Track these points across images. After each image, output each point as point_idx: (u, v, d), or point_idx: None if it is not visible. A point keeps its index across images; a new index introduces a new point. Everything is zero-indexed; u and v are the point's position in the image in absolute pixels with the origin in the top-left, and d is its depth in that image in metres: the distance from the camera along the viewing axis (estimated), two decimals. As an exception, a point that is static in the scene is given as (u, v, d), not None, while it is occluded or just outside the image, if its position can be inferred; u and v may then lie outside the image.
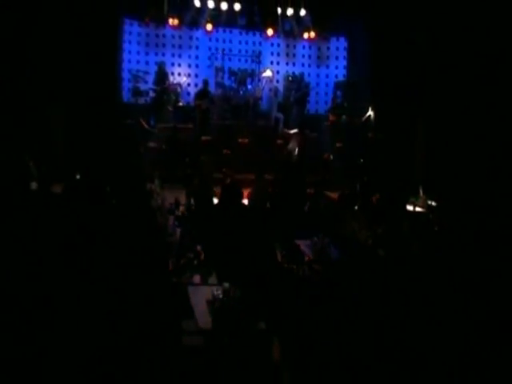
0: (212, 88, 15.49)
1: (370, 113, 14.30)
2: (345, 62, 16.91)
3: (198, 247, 6.19)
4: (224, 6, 14.94)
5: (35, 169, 9.54)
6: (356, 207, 8.54)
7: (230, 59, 16.28)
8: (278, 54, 16.99)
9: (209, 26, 15.46)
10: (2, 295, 4.82)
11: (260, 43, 16.69)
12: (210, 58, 16.20)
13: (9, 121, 10.84)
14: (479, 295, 5.51)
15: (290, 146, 13.87)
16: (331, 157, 13.91)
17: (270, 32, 15.89)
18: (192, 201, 8.40)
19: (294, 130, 14.35)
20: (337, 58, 17.07)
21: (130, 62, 15.65)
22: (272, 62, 16.83)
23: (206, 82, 15.09)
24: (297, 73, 16.41)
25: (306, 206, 8.99)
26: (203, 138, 14.07)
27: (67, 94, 12.35)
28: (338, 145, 14.47)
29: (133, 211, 6.90)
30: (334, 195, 9.95)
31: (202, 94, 14.91)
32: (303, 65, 17.09)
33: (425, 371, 4.51)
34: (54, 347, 4.38)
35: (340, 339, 4.94)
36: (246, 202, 9.02)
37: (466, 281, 5.79)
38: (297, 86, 15.88)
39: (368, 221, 7.79)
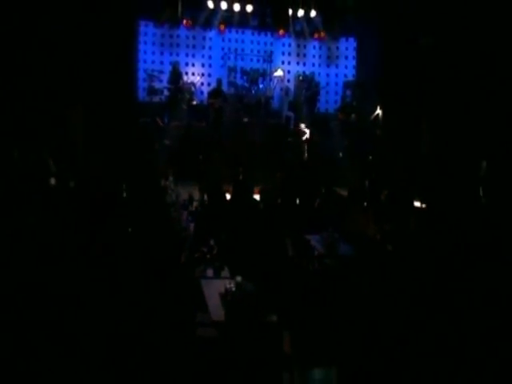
0: (225, 87, 15.50)
1: (379, 112, 14.25)
2: (354, 62, 16.84)
3: (211, 241, 6.20)
4: (236, 7, 14.92)
5: (54, 166, 9.60)
6: (365, 203, 8.52)
7: (242, 59, 16.22)
8: (289, 54, 16.90)
9: (221, 27, 15.45)
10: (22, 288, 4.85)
11: (271, 43, 16.60)
12: (222, 58, 16.17)
13: (29, 120, 10.90)
14: (484, 289, 5.48)
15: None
16: (340, 154, 13.86)
17: (281, 32, 15.86)
18: (205, 196, 8.40)
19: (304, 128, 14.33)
20: (346, 57, 16.98)
21: (145, 61, 15.68)
22: (283, 62, 16.74)
23: (219, 82, 15.09)
24: (307, 72, 16.34)
25: (315, 202, 8.98)
26: (216, 135, 14.07)
27: (85, 94, 12.41)
28: (347, 143, 14.41)
29: (147, 207, 6.92)
30: (344, 192, 9.93)
31: (216, 92, 14.91)
32: (313, 64, 16.99)
33: (432, 364, 4.49)
34: (72, 337, 4.40)
35: (349, 332, 4.93)
36: (257, 197, 9.01)
37: (471, 276, 5.76)
38: (307, 86, 15.84)
39: (376, 217, 7.77)
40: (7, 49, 11.06)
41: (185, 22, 15.14)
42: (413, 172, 11.23)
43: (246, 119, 14.94)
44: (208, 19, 15.43)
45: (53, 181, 9.19)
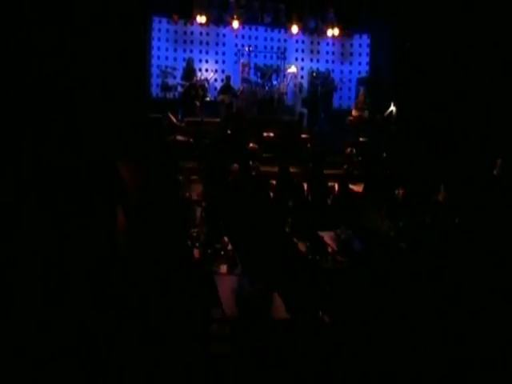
0: (237, 83, 15.51)
1: (392, 108, 14.18)
2: (367, 59, 16.78)
3: (225, 238, 6.19)
4: (250, 4, 14.91)
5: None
6: (378, 200, 8.46)
7: (255, 55, 16.21)
8: (303, 51, 16.86)
9: (235, 24, 15.44)
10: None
11: (285, 40, 16.58)
12: (236, 55, 16.16)
13: (37, 119, 10.89)
14: (502, 287, 5.42)
15: None
16: (354, 151, 13.79)
17: (294, 29, 15.81)
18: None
19: None
20: (360, 54, 16.94)
21: (159, 58, 15.70)
22: (297, 59, 16.71)
23: (228, 78, 15.24)
24: (322, 69, 16.30)
25: (328, 198, 8.94)
26: (229, 131, 14.05)
27: (98, 90, 12.39)
28: (360, 139, 14.34)
29: (162, 202, 6.91)
30: (357, 188, 9.88)
31: (225, 89, 15.02)
32: (327, 61, 16.96)
33: (446, 365, 4.45)
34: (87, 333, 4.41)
35: (363, 329, 4.90)
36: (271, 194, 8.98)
37: (488, 274, 5.70)
38: (322, 82, 15.79)
39: (390, 213, 7.72)
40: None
41: (198, 18, 15.14)
42: (427, 168, 11.14)
43: (259, 115, 14.92)
44: (221, 16, 15.43)
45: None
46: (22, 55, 10.34)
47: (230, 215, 7.09)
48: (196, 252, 6.02)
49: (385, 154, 13.04)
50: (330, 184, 9.43)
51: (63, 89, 11.26)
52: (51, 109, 10.78)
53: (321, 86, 15.70)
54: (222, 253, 5.96)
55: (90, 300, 4.76)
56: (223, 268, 5.74)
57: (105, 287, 5.00)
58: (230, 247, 6.09)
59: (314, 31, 16.19)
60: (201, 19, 15.18)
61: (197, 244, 6.14)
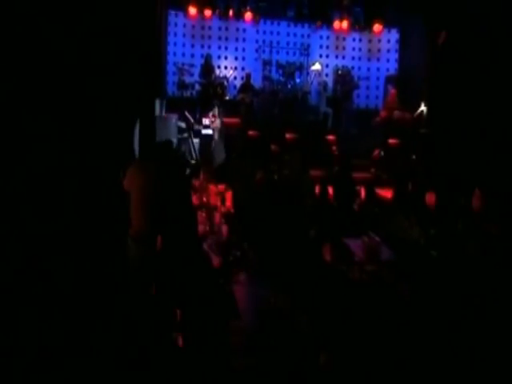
0: (258, 81, 15.52)
1: (423, 108, 14.06)
2: (396, 56, 16.68)
3: (245, 245, 6.18)
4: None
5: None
6: (408, 206, 8.41)
7: (277, 52, 16.24)
8: (328, 47, 16.83)
9: (256, 17, 15.48)
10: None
11: (309, 35, 16.57)
12: (257, 51, 16.19)
13: (43, 121, 10.95)
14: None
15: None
16: (382, 153, 13.73)
17: (318, 24, 15.78)
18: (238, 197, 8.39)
19: None
20: (388, 50, 16.85)
21: (175, 54, 15.80)
22: (321, 55, 16.69)
23: (247, 75, 15.30)
24: (347, 66, 16.24)
25: (355, 203, 8.90)
26: (250, 132, 14.06)
27: (110, 89, 12.42)
28: (389, 141, 14.27)
29: (176, 208, 6.92)
30: (385, 193, 9.83)
31: (245, 87, 15.06)
32: (353, 58, 16.90)
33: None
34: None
35: (392, 344, 4.86)
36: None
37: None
38: (346, 80, 15.73)
39: (421, 220, 7.66)
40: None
41: (217, 12, 15.26)
42: (460, 173, 11.04)
43: (281, 115, 14.91)
44: (241, 9, 15.48)
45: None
46: (28, 50, 10.41)
47: (251, 221, 7.09)
48: (215, 259, 6.03)
49: (415, 157, 12.96)
50: (356, 188, 9.40)
51: (71, 87, 11.30)
52: (57, 107, 10.84)
53: (340, 84, 15.64)
54: (243, 261, 5.96)
55: (103, 311, 4.79)
56: (243, 277, 5.75)
57: (115, 295, 5.03)
58: (250, 255, 6.09)
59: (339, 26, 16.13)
60: (219, 13, 15.27)
61: (215, 251, 6.15)
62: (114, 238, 6.12)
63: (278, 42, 16.38)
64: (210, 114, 13.59)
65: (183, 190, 7.59)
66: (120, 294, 5.17)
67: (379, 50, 16.95)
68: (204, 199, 8.13)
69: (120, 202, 6.48)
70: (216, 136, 13.37)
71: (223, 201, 8.24)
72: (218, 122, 13.58)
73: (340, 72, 15.91)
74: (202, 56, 15.70)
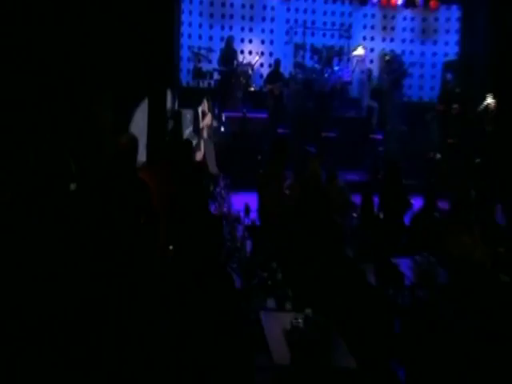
0: (289, 69, 15.59)
1: (490, 101, 14.01)
2: (457, 37, 16.64)
3: (273, 264, 6.23)
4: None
5: (75, 168, 9.78)
6: (471, 220, 8.40)
7: (312, 34, 16.28)
8: (373, 28, 16.85)
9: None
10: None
11: (350, 14, 16.64)
12: (287, 33, 16.23)
13: (49, 112, 11.16)
14: None
15: None
16: (438, 155, 13.73)
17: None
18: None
19: None
20: (447, 31, 16.82)
21: (190, 37, 15.93)
22: (365, 38, 16.71)
23: (277, 62, 15.37)
24: (396, 50, 16.23)
25: (405, 216, 8.92)
26: (279, 130, 14.14)
27: (115, 77, 12.57)
28: (447, 141, 14.26)
29: (190, 219, 7.00)
30: (442, 204, 9.81)
31: (273, 76, 15.12)
32: (404, 41, 16.89)
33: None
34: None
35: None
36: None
37: None
38: (395, 67, 15.72)
39: (487, 237, 7.65)
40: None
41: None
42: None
43: (316, 111, 14.96)
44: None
45: (73, 186, 9.38)
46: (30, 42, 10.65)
47: (281, 236, 7.14)
48: (236, 281, 6.08)
49: (479, 160, 12.93)
50: (407, 198, 9.42)
51: (70, 76, 11.51)
52: (52, 102, 11.05)
53: (387, 72, 15.62)
54: (270, 283, 6.02)
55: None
56: (271, 302, 5.80)
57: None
58: (279, 276, 6.14)
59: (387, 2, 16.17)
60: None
61: (238, 271, 6.21)
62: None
63: (313, 22, 16.41)
64: (200, 109, 13.48)
65: (201, 198, 7.68)
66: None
67: (436, 31, 16.92)
68: (224, 209, 8.21)
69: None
70: (205, 135, 13.26)
71: (247, 211, 8.31)
72: (208, 119, 13.45)
73: (387, 58, 15.91)
74: (221, 39, 15.82)
